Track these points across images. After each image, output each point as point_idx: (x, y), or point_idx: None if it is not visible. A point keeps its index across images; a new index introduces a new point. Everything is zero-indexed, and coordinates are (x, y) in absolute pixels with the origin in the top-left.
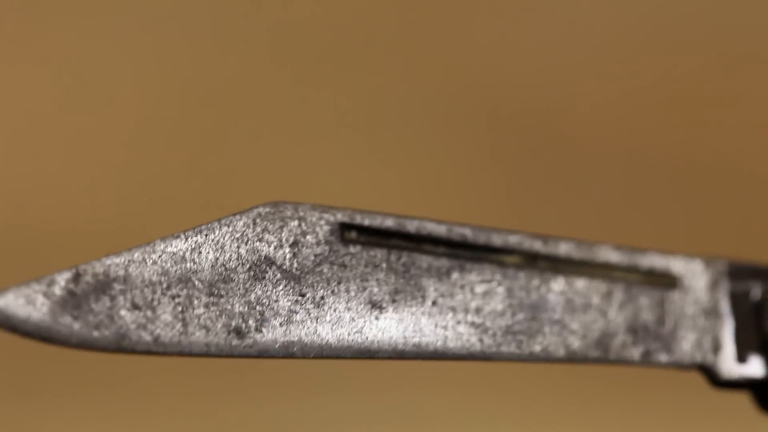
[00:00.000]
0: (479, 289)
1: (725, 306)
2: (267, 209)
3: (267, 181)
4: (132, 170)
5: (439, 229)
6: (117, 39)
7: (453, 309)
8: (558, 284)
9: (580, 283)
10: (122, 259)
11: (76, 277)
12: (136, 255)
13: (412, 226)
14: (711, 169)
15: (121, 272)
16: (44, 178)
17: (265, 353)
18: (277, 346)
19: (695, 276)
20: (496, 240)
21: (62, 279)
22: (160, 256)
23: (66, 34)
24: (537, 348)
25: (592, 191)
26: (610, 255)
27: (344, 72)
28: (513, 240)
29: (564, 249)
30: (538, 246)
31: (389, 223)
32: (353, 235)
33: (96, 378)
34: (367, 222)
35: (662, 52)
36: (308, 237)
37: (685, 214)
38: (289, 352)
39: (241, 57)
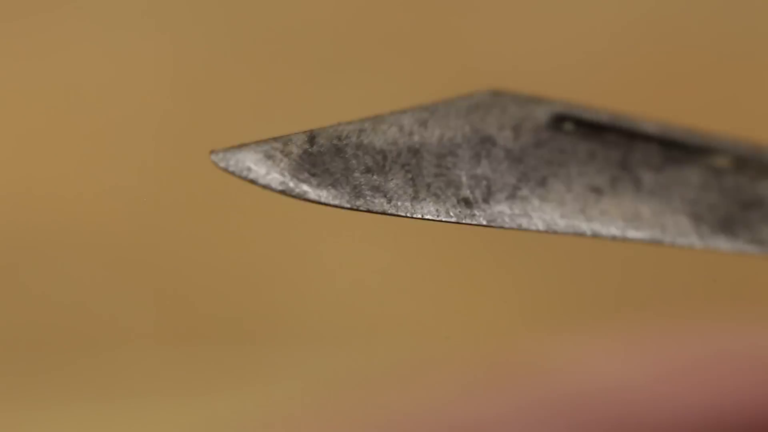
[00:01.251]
0: (694, 181)
1: None
2: (487, 96)
3: None
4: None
5: (653, 128)
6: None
7: (669, 199)
8: (765, 184)
9: None
10: (353, 127)
11: (312, 139)
12: (366, 124)
13: (626, 123)
14: None
15: (354, 138)
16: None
17: (493, 222)
18: (504, 216)
19: None
20: (708, 142)
21: (299, 139)
22: (389, 127)
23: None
24: (748, 242)
25: None
26: None
27: (348, 73)
28: (723, 144)
29: None
30: (747, 150)
31: (604, 118)
32: (570, 126)
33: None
34: (583, 115)
35: (662, 53)
36: (528, 122)
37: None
38: (516, 224)
39: (251, 54)
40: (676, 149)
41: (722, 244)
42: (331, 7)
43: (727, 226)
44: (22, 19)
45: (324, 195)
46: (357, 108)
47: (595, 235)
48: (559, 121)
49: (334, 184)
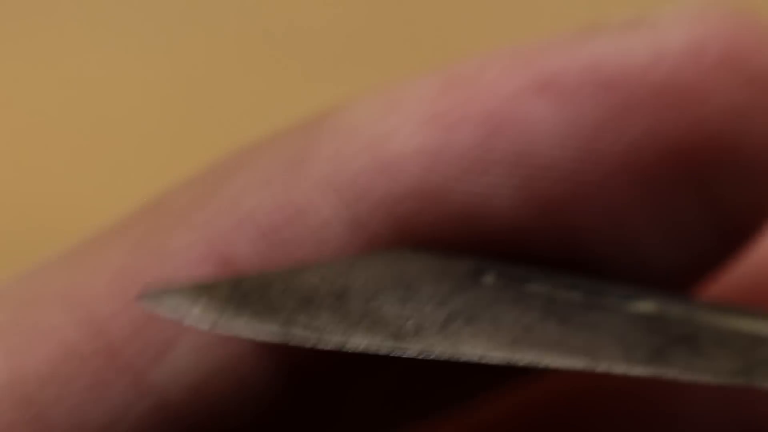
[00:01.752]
0: (620, 322)
1: None
2: (405, 251)
3: None
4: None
5: (571, 280)
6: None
7: (597, 335)
8: (692, 327)
9: (714, 329)
10: (278, 273)
11: (238, 282)
12: (290, 271)
13: (544, 275)
14: None
15: (280, 283)
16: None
17: (427, 352)
18: (437, 346)
19: None
20: (630, 291)
21: (225, 283)
22: (311, 276)
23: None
24: (683, 370)
25: None
26: (742, 314)
27: (348, 73)
28: (646, 293)
29: (696, 305)
30: (670, 300)
31: (522, 272)
32: (489, 278)
33: None
34: (501, 269)
35: None
36: (449, 272)
37: None
38: (449, 354)
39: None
40: (598, 297)
41: (656, 371)
42: (330, 8)
43: (659, 356)
44: (23, 20)
45: (256, 330)
46: None
47: (532, 366)
48: (478, 272)
49: (264, 320)
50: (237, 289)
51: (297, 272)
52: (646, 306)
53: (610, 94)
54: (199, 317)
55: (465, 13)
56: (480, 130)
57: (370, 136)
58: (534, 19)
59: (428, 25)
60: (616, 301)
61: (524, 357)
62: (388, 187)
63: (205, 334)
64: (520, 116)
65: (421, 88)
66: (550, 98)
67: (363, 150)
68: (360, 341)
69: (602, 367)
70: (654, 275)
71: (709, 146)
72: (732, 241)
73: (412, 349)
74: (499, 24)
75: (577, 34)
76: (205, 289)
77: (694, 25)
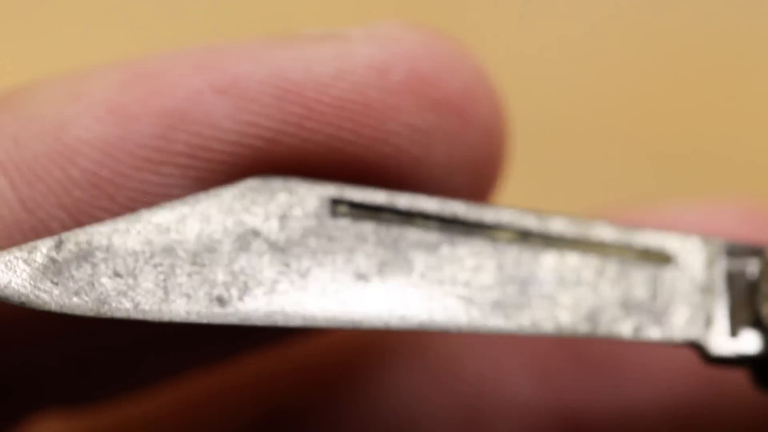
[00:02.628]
0: (469, 263)
1: (720, 283)
2: (255, 182)
3: None
4: None
5: (431, 205)
6: None
7: (441, 282)
8: (550, 260)
9: (573, 259)
10: (106, 229)
11: (59, 245)
12: (120, 225)
13: (403, 201)
14: (710, 169)
15: (104, 241)
16: None
17: (246, 321)
18: (259, 314)
19: (691, 253)
20: (489, 216)
21: (45, 246)
22: (144, 226)
23: None
24: (525, 321)
25: (592, 190)
26: (604, 232)
27: None
28: (506, 216)
29: (557, 225)
30: (531, 222)
31: (380, 198)
32: (343, 209)
33: None
34: (357, 197)
35: (662, 53)
36: (296, 210)
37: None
38: (271, 321)
39: None
40: (455, 225)
41: (494, 325)
42: (330, 8)
43: (500, 308)
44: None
45: (66, 305)
46: None
47: (357, 327)
48: (333, 204)
49: (77, 293)
50: (55, 259)
51: (126, 228)
52: (504, 234)
53: (291, 102)
54: (11, 292)
55: (464, 13)
56: (159, 124)
57: (51, 121)
58: (532, 20)
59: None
60: (473, 228)
61: (351, 319)
62: (64, 172)
63: None
64: (199, 114)
65: (105, 80)
66: (231, 100)
67: (42, 134)
68: (175, 314)
69: (434, 328)
70: None
71: (389, 163)
72: None
73: (233, 316)
74: (499, 24)
75: (267, 40)
76: (21, 257)
77: (384, 44)
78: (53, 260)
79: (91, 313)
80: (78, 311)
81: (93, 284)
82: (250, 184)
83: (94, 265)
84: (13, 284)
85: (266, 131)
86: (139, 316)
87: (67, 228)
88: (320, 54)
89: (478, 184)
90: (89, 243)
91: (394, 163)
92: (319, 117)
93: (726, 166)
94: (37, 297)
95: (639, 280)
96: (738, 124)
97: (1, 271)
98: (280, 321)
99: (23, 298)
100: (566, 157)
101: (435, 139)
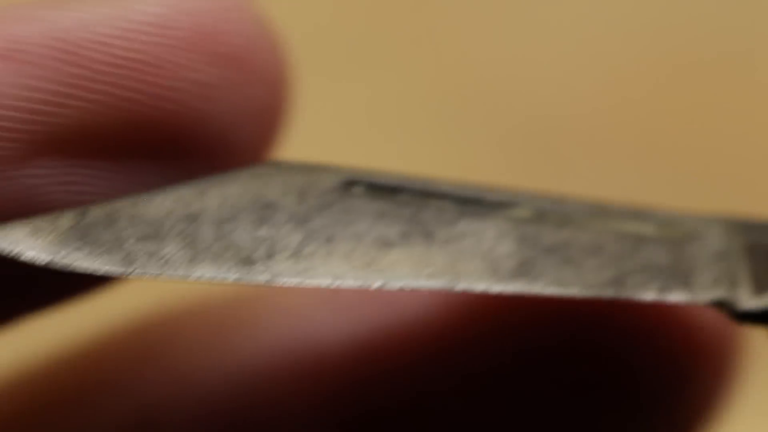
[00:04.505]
0: (490, 234)
1: (742, 251)
2: (270, 166)
3: None
4: None
5: (446, 188)
6: None
7: (463, 248)
8: (567, 233)
9: (592, 232)
10: (127, 200)
11: (83, 213)
12: (141, 198)
13: (419, 185)
14: (709, 170)
15: (128, 210)
16: None
17: (277, 279)
18: (289, 272)
19: (711, 227)
20: (505, 197)
21: (69, 214)
22: (165, 198)
23: None
24: (550, 282)
25: (592, 190)
26: (623, 214)
27: (347, 72)
28: (523, 197)
29: (574, 208)
30: (548, 204)
31: (395, 181)
32: (358, 190)
33: None
34: (372, 180)
35: (662, 53)
36: (313, 188)
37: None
38: (301, 280)
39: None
40: (472, 205)
41: (520, 286)
42: (330, 8)
43: (524, 270)
44: None
45: (95, 264)
46: (357, 106)
47: (385, 287)
48: (348, 185)
49: (105, 252)
50: (80, 222)
51: (148, 199)
52: (521, 212)
53: (72, 63)
54: (37, 252)
55: (464, 13)
56: None
57: None
58: (531, 20)
59: (427, 25)
60: (491, 208)
61: (378, 279)
62: None
63: None
64: None
65: None
66: (11, 64)
67: None
68: (205, 272)
69: (461, 286)
70: None
71: (173, 119)
72: None
73: (259, 278)
74: (499, 24)
75: (45, 2)
76: (46, 223)
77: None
78: (78, 226)
79: (118, 273)
80: (104, 270)
81: (119, 246)
82: (265, 167)
83: (119, 230)
84: (37, 247)
85: (52, 95)
86: (167, 273)
87: None
88: (100, 12)
89: (263, 135)
90: (113, 211)
91: (180, 119)
92: (103, 77)
93: (726, 166)
94: (64, 258)
95: (660, 250)
96: (737, 125)
97: (27, 235)
98: (310, 280)
99: (49, 258)
100: (566, 157)
101: (219, 93)
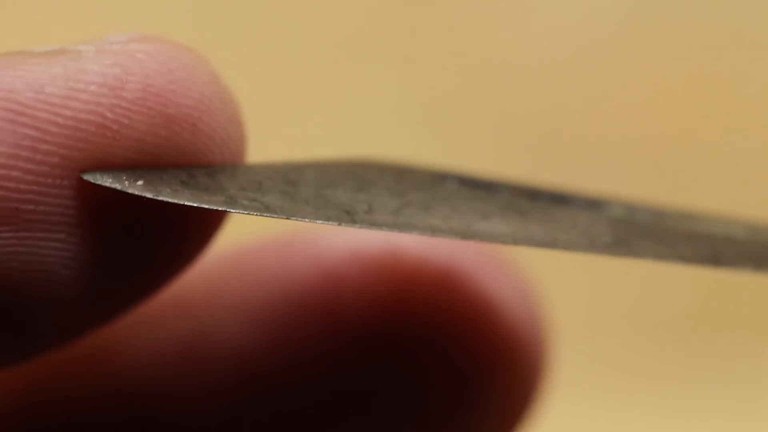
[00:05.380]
0: (583, 219)
1: None
2: (363, 160)
3: None
4: None
5: (538, 186)
6: None
7: (558, 225)
8: (661, 228)
9: (684, 230)
10: (228, 167)
11: (187, 170)
12: (240, 166)
13: (508, 182)
14: (709, 167)
15: (228, 171)
16: None
17: (376, 226)
18: (388, 223)
19: None
20: (596, 198)
21: (172, 170)
22: (266, 167)
23: None
24: (649, 253)
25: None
26: (713, 219)
27: (346, 72)
28: (613, 200)
29: (664, 211)
30: (638, 206)
31: (485, 179)
32: (452, 181)
33: None
34: (465, 175)
35: (662, 53)
36: (408, 175)
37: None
38: (401, 229)
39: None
40: (565, 201)
41: (618, 252)
42: (333, 4)
43: (622, 243)
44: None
45: (196, 199)
46: (357, 106)
47: (483, 240)
48: (440, 177)
49: (209, 193)
50: (184, 170)
51: (246, 168)
52: (614, 210)
53: (23, 125)
54: (142, 187)
55: (463, 13)
56: None
57: None
58: (531, 20)
59: (427, 25)
60: (583, 205)
61: (479, 233)
62: None
63: None
64: None
65: None
66: None
67: None
68: (308, 214)
69: (560, 247)
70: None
71: None
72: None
73: (363, 222)
74: (498, 24)
75: None
76: (157, 172)
77: (116, 58)
78: (184, 181)
79: (221, 207)
80: (208, 204)
81: (222, 191)
82: (358, 161)
83: (221, 181)
84: (147, 186)
85: (0, 157)
86: (268, 214)
87: None
88: (50, 72)
89: None
90: (213, 171)
91: None
92: (53, 138)
93: (726, 166)
94: (173, 191)
95: (752, 247)
96: (737, 125)
97: (141, 183)
98: (409, 229)
99: (157, 195)
100: (566, 156)
101: (168, 153)
